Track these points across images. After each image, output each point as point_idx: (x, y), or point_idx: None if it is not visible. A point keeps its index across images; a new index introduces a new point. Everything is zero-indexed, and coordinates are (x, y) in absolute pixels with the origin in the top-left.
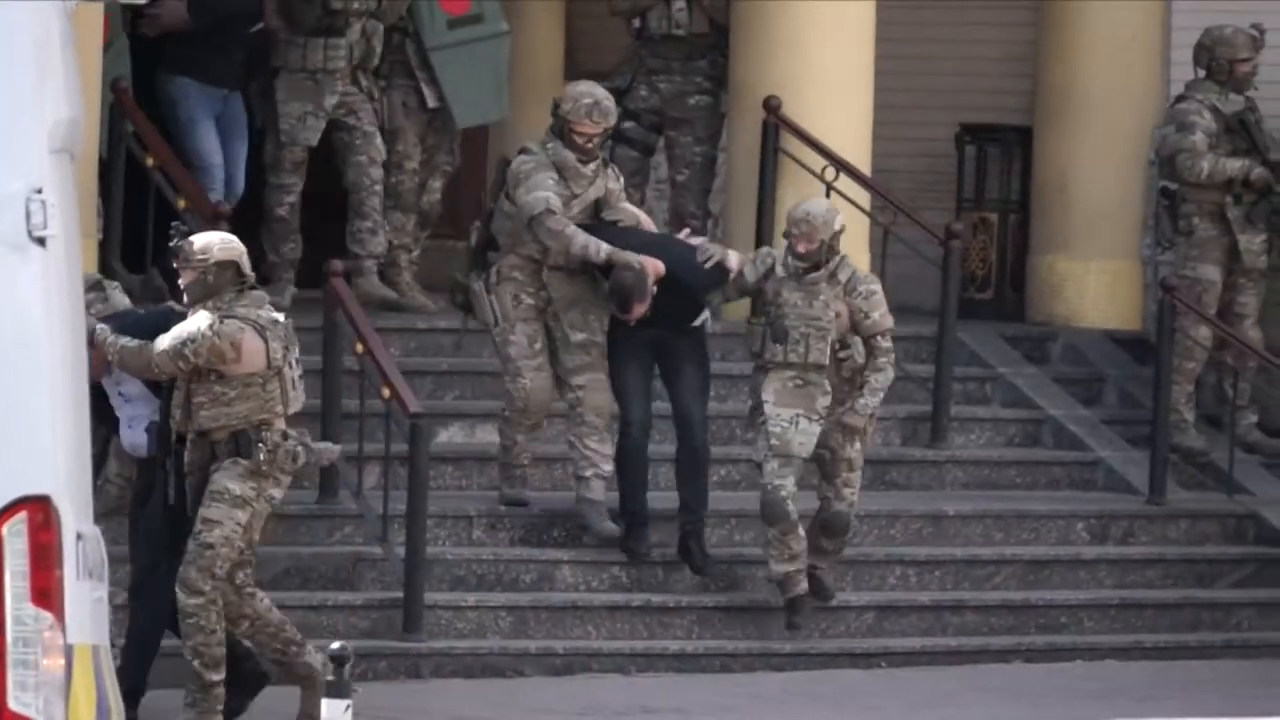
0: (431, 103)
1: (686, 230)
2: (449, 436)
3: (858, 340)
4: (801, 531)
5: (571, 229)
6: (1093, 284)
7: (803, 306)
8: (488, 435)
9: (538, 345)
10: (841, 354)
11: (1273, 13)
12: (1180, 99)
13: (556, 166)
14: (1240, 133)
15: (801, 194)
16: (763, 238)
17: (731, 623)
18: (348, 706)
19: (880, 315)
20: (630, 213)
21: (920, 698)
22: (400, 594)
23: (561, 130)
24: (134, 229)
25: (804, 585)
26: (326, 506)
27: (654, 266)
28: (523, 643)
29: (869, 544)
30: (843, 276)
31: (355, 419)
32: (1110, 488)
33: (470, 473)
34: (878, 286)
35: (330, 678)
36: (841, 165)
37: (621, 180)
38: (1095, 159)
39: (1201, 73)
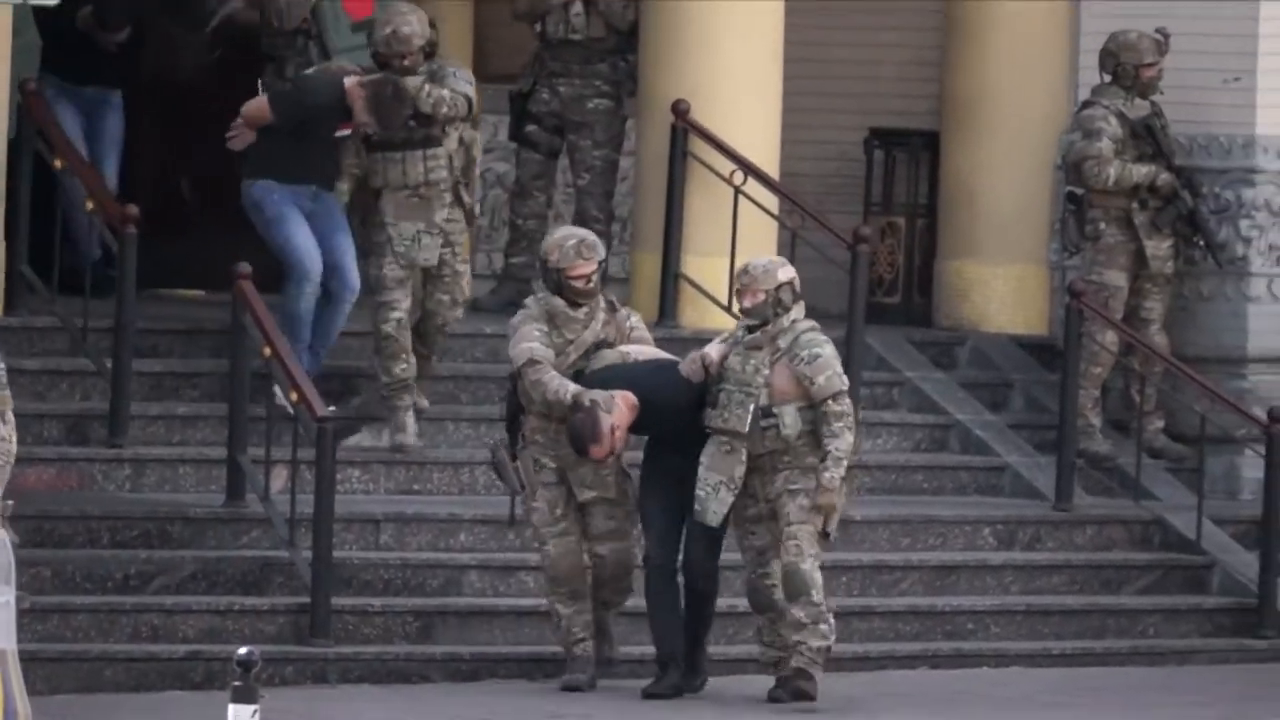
0: None
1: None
2: (357, 440)
3: (786, 410)
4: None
5: (547, 376)
6: (1000, 289)
7: (738, 370)
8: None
9: (559, 510)
10: (764, 423)
11: (1179, 17)
12: (1086, 105)
13: (548, 315)
14: (1146, 138)
15: (710, 198)
16: (670, 242)
17: (639, 626)
18: (255, 712)
19: (826, 379)
20: (636, 350)
21: (826, 703)
22: (307, 599)
23: (558, 281)
24: (41, 231)
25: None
26: (233, 510)
27: (623, 399)
28: (429, 648)
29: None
30: (784, 342)
31: (263, 422)
32: (1017, 493)
33: (377, 476)
34: (823, 349)
35: (237, 683)
36: (750, 169)
37: (635, 318)
38: (1002, 164)
39: (1107, 78)
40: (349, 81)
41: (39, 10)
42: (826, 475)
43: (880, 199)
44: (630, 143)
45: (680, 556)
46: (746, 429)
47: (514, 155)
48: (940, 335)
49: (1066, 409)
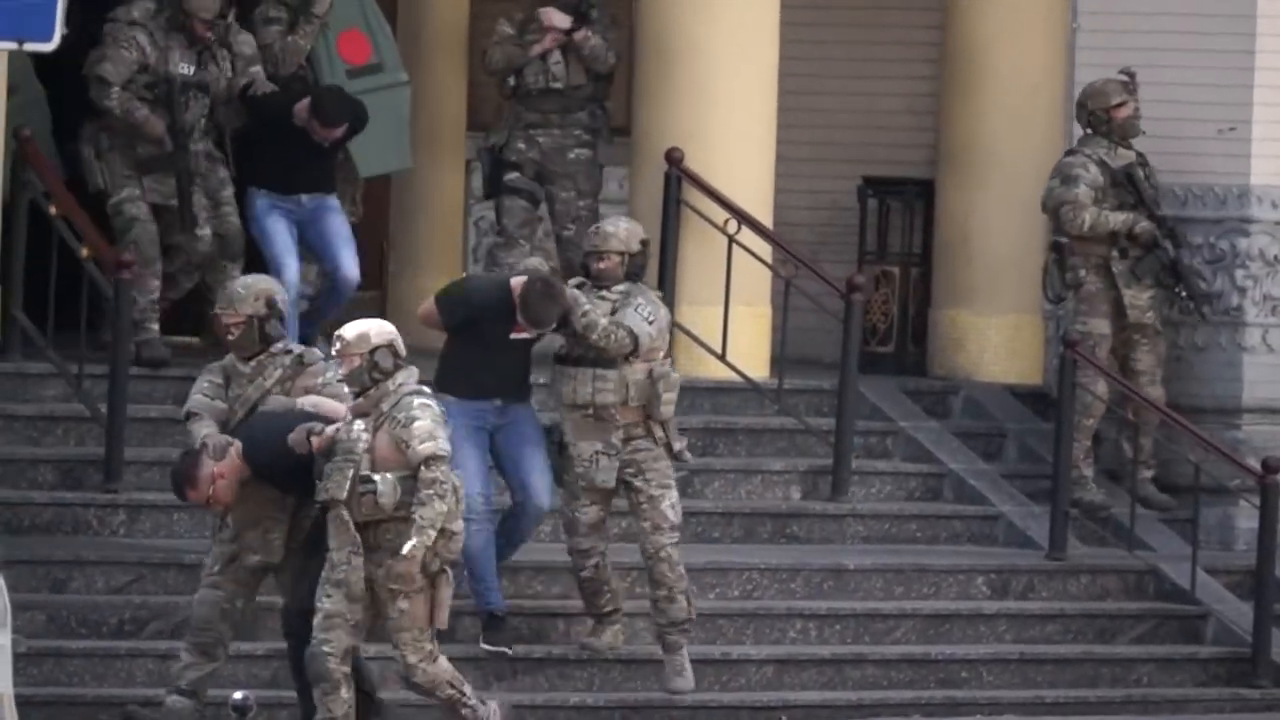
0: None
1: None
2: None
3: (385, 477)
4: None
5: (195, 426)
6: (994, 338)
7: (344, 439)
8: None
9: (217, 566)
10: (362, 489)
11: (1173, 67)
12: (1070, 153)
13: (223, 370)
14: (1127, 186)
15: (703, 247)
16: (664, 290)
17: (631, 674)
18: None
19: (421, 444)
20: (306, 401)
21: None
22: None
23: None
24: (37, 278)
25: None
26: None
27: (236, 449)
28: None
29: (769, 597)
30: (386, 406)
31: None
32: (1010, 542)
33: None
34: (423, 414)
35: None
36: (743, 217)
37: (331, 374)
38: (997, 213)
39: (1087, 131)
40: (514, 281)
41: (261, 118)
42: (407, 545)
43: (874, 248)
44: (624, 191)
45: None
46: (344, 495)
47: (495, 207)
48: (934, 384)
49: (1060, 459)
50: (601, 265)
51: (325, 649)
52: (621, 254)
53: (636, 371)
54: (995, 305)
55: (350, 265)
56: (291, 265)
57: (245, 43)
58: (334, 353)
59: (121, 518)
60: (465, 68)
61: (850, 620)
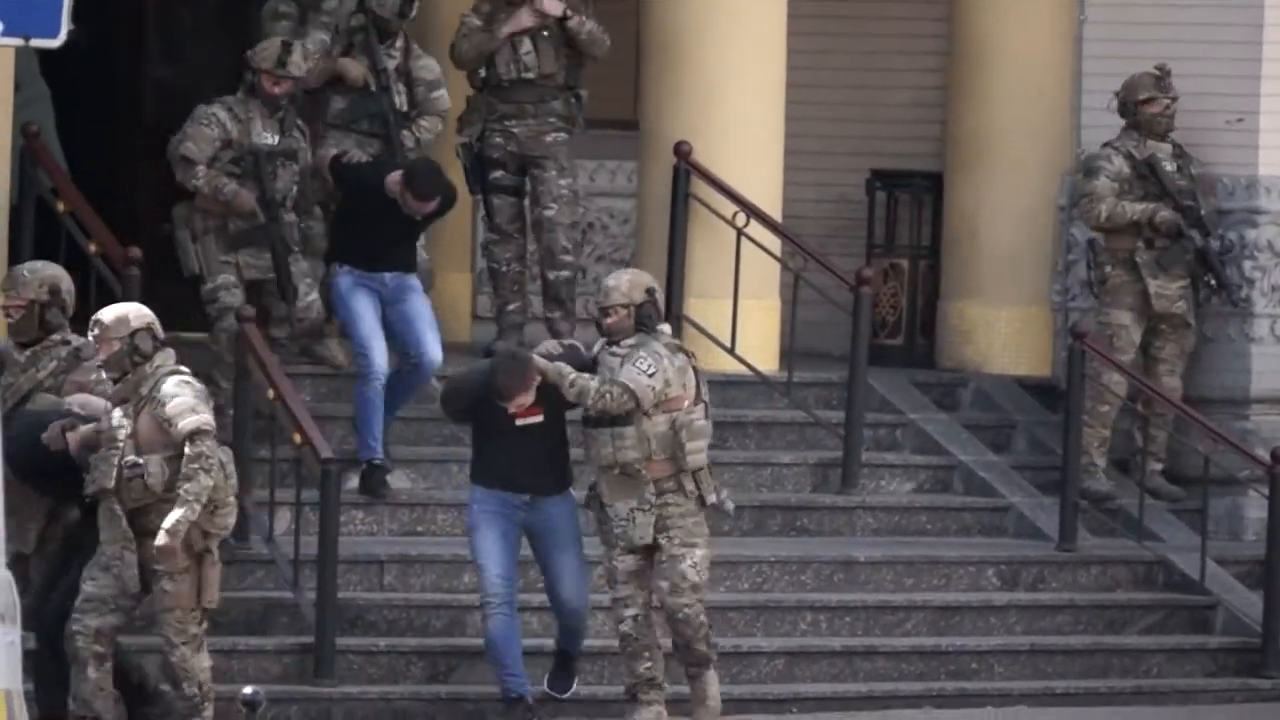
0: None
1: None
2: (359, 482)
3: (152, 459)
4: None
5: None
6: (1002, 330)
7: (108, 429)
8: (398, 482)
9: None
10: (128, 474)
11: (1182, 59)
12: (1104, 146)
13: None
14: (1151, 178)
15: (712, 240)
16: (672, 284)
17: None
18: None
19: (183, 421)
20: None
21: None
22: (312, 639)
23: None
24: None
25: None
26: (238, 551)
27: None
28: (434, 688)
29: (780, 590)
30: (145, 389)
31: (267, 464)
32: (1020, 534)
33: (381, 518)
34: (181, 390)
35: None
36: (752, 211)
37: (101, 373)
38: (1005, 205)
39: (1123, 123)
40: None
41: (351, 190)
42: (169, 518)
43: (883, 240)
44: (632, 185)
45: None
46: (112, 484)
47: (484, 205)
48: (943, 377)
49: (1070, 450)
50: (609, 321)
51: (76, 628)
52: (627, 306)
53: (658, 424)
54: (1004, 297)
55: (435, 348)
56: (379, 348)
57: (425, 68)
58: (92, 338)
59: None
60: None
61: (860, 612)
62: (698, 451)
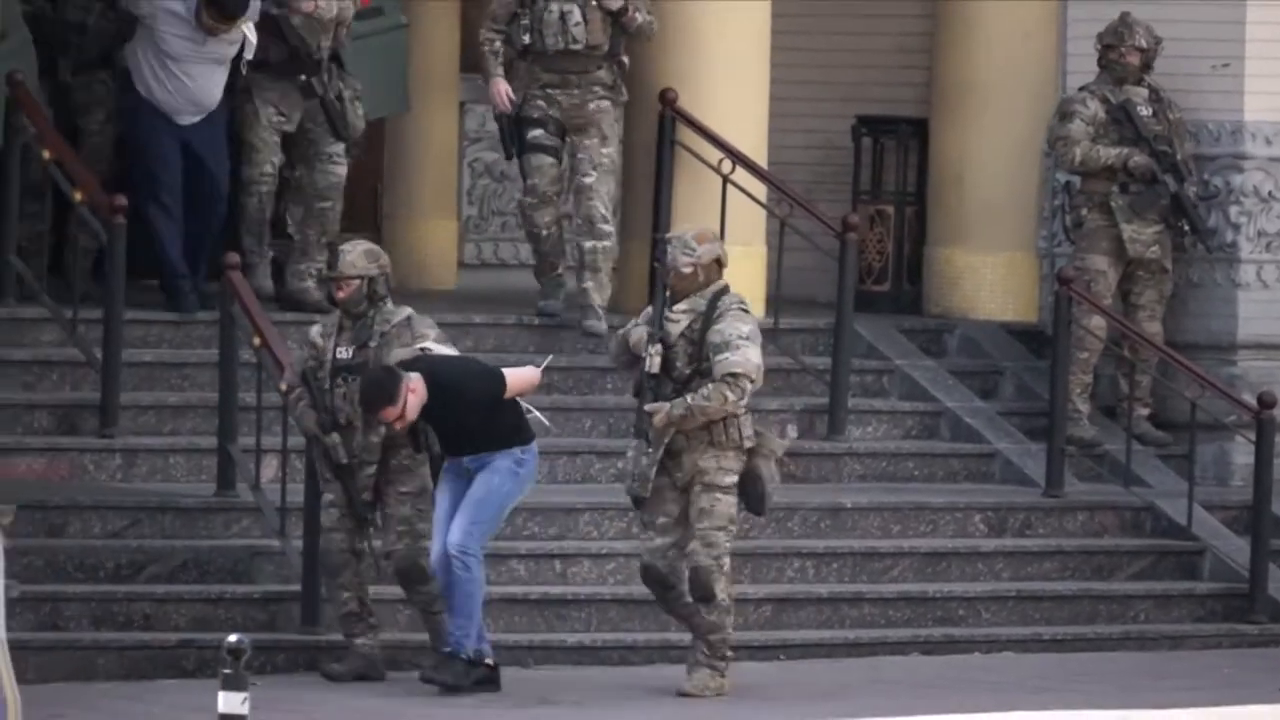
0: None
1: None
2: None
3: None
4: None
5: None
6: (989, 276)
7: None
8: None
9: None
10: None
11: (1167, 4)
12: (1080, 89)
13: None
14: (1126, 122)
15: (698, 187)
16: (658, 231)
17: (630, 615)
18: (245, 699)
19: None
20: None
21: (818, 690)
22: (298, 587)
23: None
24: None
25: None
26: (224, 499)
27: None
28: (420, 635)
29: (767, 536)
30: None
31: (252, 411)
32: (1007, 480)
33: None
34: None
35: (228, 670)
36: (738, 157)
37: None
38: (991, 151)
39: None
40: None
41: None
42: None
43: (869, 187)
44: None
45: None
46: None
47: (520, 167)
48: (930, 323)
49: (1057, 396)
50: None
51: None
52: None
53: None
54: (990, 243)
55: (456, 532)
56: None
57: None
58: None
59: (118, 462)
60: (459, 15)
61: (848, 559)
62: None
